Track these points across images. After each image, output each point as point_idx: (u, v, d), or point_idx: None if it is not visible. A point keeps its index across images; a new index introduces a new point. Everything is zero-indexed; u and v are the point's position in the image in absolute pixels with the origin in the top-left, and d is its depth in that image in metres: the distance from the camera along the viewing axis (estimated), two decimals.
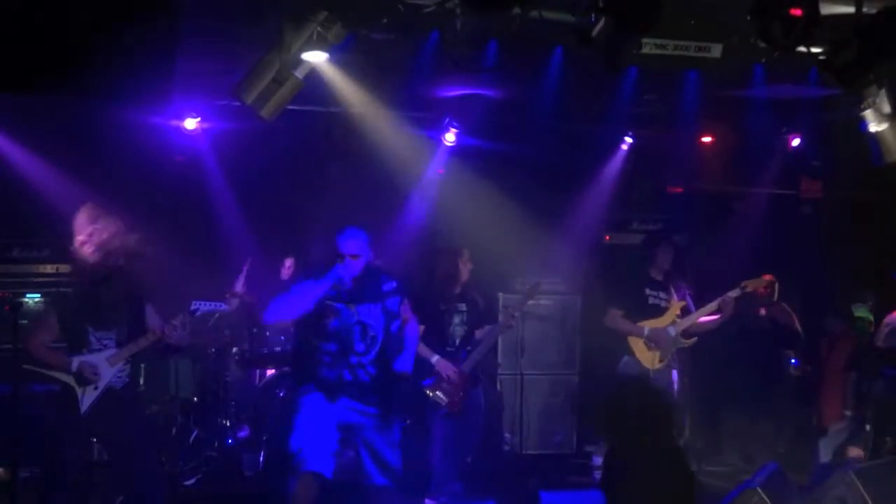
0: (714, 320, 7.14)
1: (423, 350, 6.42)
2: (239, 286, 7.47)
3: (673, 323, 7.14)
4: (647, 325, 7.11)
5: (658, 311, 7.19)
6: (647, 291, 7.21)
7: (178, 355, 7.80)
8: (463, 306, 6.88)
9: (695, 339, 7.16)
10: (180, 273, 7.10)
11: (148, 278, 5.94)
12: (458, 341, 6.82)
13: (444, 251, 6.97)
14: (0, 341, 6.79)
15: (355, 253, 5.32)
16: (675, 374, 7.30)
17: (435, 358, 6.60)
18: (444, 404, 6.63)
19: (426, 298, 6.53)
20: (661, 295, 7.24)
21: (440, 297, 6.78)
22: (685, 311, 7.21)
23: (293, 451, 5.29)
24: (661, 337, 7.09)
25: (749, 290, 7.12)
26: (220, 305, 6.22)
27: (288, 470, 5.37)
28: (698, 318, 7.15)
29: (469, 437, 6.88)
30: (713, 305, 7.12)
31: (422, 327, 6.08)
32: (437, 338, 6.64)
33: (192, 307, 5.96)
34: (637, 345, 7.12)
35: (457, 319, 6.83)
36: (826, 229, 9.54)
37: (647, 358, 7.12)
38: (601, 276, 8.32)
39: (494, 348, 7.97)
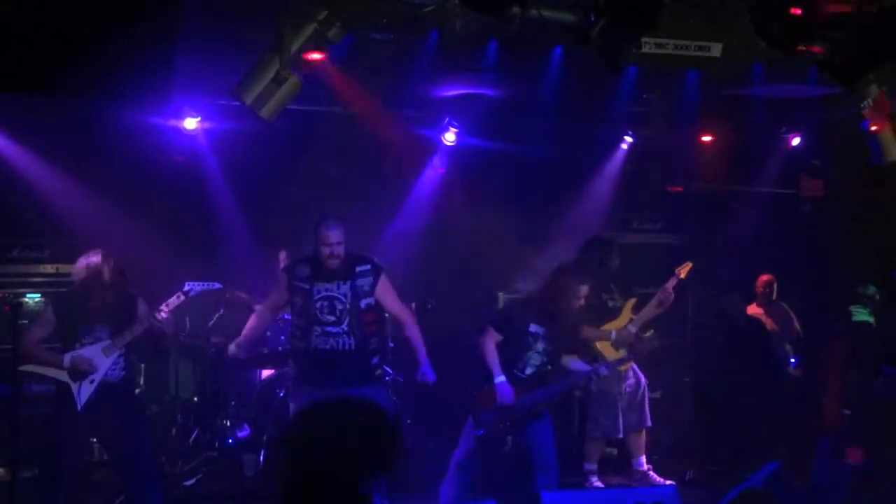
0: (660, 309, 7.23)
1: (493, 362, 5.98)
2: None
3: (631, 320, 7.20)
4: (612, 329, 7.16)
5: (616, 312, 7.26)
6: (604, 296, 7.25)
7: (178, 352, 7.83)
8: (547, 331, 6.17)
9: (652, 330, 7.23)
10: (180, 272, 7.09)
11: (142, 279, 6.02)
12: (528, 370, 6.08)
13: (573, 274, 6.22)
14: (0, 341, 6.79)
15: (340, 241, 5.81)
16: (644, 385, 7.36)
17: (500, 379, 5.94)
18: (482, 426, 6.01)
19: (518, 312, 6.18)
20: (615, 296, 7.32)
21: (534, 316, 6.11)
22: (637, 307, 7.28)
23: None
24: (625, 337, 7.14)
25: (682, 276, 7.28)
26: (214, 285, 6.27)
27: None
28: (652, 311, 7.21)
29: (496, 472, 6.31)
30: (657, 298, 7.21)
31: (499, 336, 6.00)
32: (508, 356, 6.04)
33: (186, 288, 6.02)
34: (606, 349, 7.16)
35: (540, 346, 6.10)
36: (826, 228, 9.55)
37: (617, 358, 7.18)
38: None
39: None
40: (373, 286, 5.91)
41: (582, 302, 6.13)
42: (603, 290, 7.25)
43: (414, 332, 6.08)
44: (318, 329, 5.82)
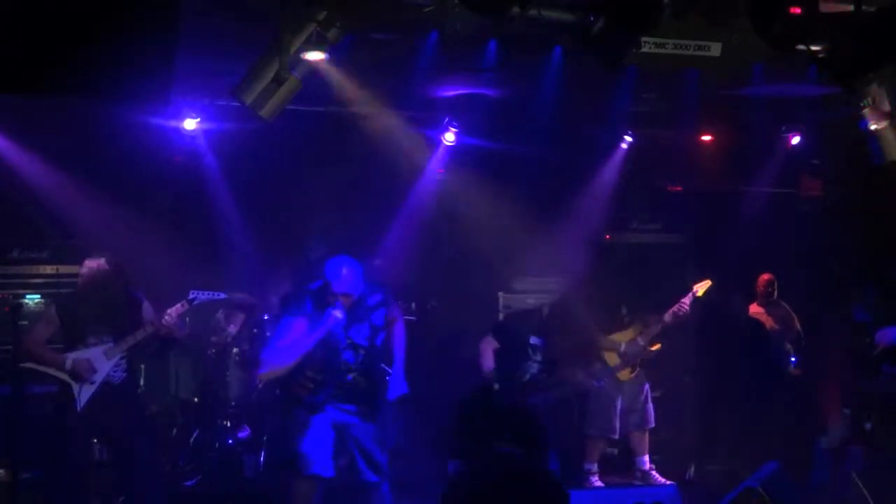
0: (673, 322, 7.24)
1: (489, 369, 6.08)
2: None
3: (640, 333, 7.20)
4: (622, 340, 7.18)
5: (627, 324, 7.26)
6: (618, 305, 7.29)
7: (178, 352, 7.84)
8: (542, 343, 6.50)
9: (659, 345, 7.23)
10: (180, 273, 7.10)
11: (142, 280, 6.02)
12: (525, 378, 6.36)
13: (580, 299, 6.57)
14: (0, 342, 6.80)
15: (348, 292, 5.44)
16: (647, 386, 7.36)
17: (496, 387, 6.17)
18: None
19: (520, 324, 6.32)
20: (626, 306, 7.35)
21: (536, 329, 6.45)
22: (648, 321, 7.30)
23: (295, 454, 5.40)
24: (633, 349, 7.14)
25: (699, 294, 7.28)
26: (218, 295, 6.29)
27: (289, 472, 5.47)
28: (662, 326, 7.24)
29: None
30: (671, 313, 7.24)
31: (497, 344, 6.03)
32: (507, 365, 6.24)
33: (190, 296, 6.04)
34: (612, 359, 7.17)
35: (538, 357, 6.42)
36: (825, 228, 9.54)
37: (622, 371, 7.19)
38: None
39: None
40: (385, 318, 5.61)
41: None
42: (617, 299, 7.28)
43: (400, 335, 5.79)
44: (333, 380, 5.45)
